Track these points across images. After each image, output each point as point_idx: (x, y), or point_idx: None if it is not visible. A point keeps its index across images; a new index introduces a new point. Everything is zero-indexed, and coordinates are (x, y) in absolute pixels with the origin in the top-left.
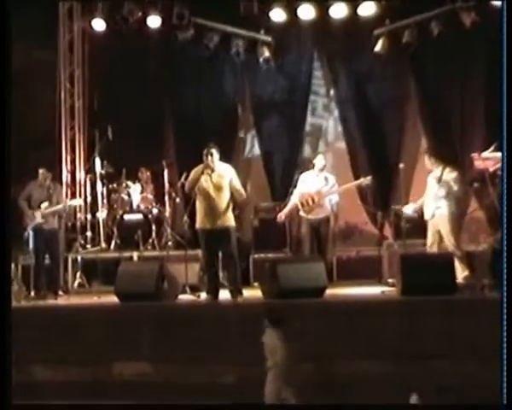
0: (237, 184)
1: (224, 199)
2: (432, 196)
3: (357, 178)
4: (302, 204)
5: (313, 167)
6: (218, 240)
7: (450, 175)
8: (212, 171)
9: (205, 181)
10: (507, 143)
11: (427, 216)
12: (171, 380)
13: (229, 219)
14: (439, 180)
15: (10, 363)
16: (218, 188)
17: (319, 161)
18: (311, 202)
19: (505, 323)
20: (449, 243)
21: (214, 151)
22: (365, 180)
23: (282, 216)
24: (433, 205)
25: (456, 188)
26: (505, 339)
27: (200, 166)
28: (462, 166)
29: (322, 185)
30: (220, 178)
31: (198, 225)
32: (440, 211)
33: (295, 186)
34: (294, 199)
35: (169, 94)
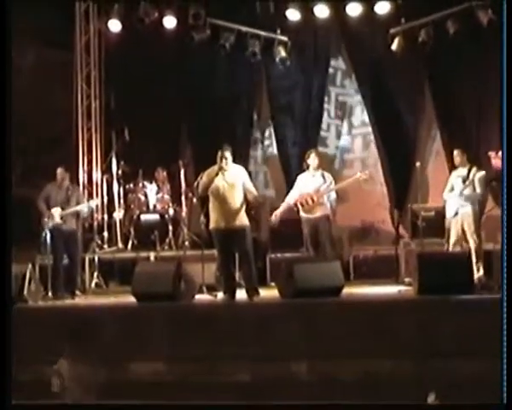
0: (250, 186)
1: (237, 199)
2: (456, 194)
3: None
4: (302, 204)
5: (308, 168)
6: (233, 240)
7: (478, 175)
8: (226, 172)
9: (218, 182)
10: (507, 144)
11: (449, 214)
12: (188, 380)
13: (244, 219)
14: (466, 179)
15: (10, 363)
16: (232, 188)
17: (313, 159)
18: (310, 202)
19: (505, 322)
20: (473, 242)
21: (228, 153)
22: (363, 175)
23: (276, 215)
24: (458, 203)
25: (481, 188)
26: (505, 338)
27: (214, 168)
28: (477, 164)
29: (320, 184)
30: (233, 179)
31: (212, 225)
32: (465, 209)
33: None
34: (289, 200)
35: (185, 94)
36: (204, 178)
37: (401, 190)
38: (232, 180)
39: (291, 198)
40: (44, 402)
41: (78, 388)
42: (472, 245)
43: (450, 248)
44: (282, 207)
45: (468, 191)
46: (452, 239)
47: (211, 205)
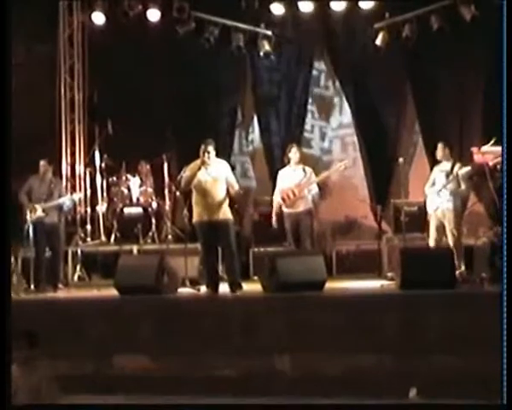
0: (233, 180)
1: (220, 193)
2: (438, 188)
3: None
4: (283, 199)
5: (289, 162)
6: (216, 233)
7: (462, 170)
8: (209, 166)
9: (201, 176)
10: (507, 139)
11: (430, 209)
12: (171, 373)
13: (227, 213)
14: (449, 174)
15: (10, 363)
16: (215, 182)
17: (294, 154)
18: (292, 196)
19: (505, 321)
20: (451, 237)
21: (211, 147)
22: (342, 165)
23: (273, 219)
24: (440, 198)
25: (465, 184)
26: (505, 339)
27: (196, 163)
28: (459, 160)
29: (300, 178)
30: (216, 173)
31: (195, 218)
32: (447, 204)
33: (275, 185)
34: (276, 198)
35: (169, 87)
36: (187, 172)
37: (383, 186)
38: (215, 174)
39: (276, 196)
40: (44, 402)
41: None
42: (450, 240)
43: (431, 243)
44: (274, 208)
45: (451, 186)
46: (432, 234)
47: (194, 199)
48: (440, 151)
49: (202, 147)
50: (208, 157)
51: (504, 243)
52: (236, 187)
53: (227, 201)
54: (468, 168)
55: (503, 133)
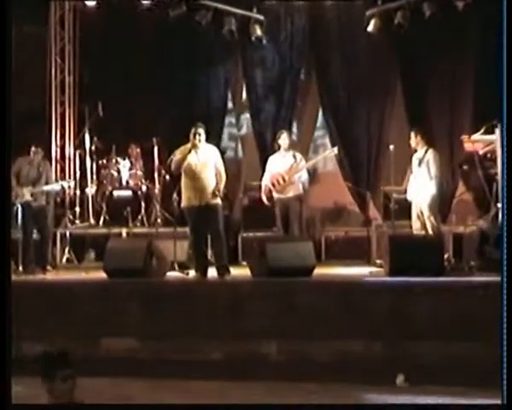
0: (221, 168)
1: (209, 177)
2: (414, 177)
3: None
4: (273, 184)
5: (279, 148)
6: (205, 218)
7: (429, 156)
8: (199, 150)
9: (191, 160)
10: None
11: (409, 197)
12: (159, 356)
13: (216, 197)
14: (421, 161)
15: (10, 363)
16: (204, 166)
17: (283, 140)
18: (282, 181)
19: (505, 321)
20: (430, 225)
21: (202, 131)
22: (332, 151)
23: (264, 199)
24: (415, 186)
25: (434, 169)
26: (505, 337)
27: (187, 146)
28: (449, 148)
29: (291, 163)
30: (206, 157)
31: (184, 203)
32: (422, 192)
33: (264, 170)
34: (265, 183)
35: (160, 71)
36: (177, 154)
37: (371, 172)
38: (205, 159)
39: (265, 181)
40: (44, 402)
41: None
42: (429, 227)
43: (414, 232)
44: (262, 192)
45: (423, 173)
46: (414, 222)
47: (183, 183)
48: (412, 139)
49: (193, 130)
50: (199, 140)
51: (504, 233)
52: (224, 176)
53: (216, 185)
54: (434, 153)
55: (502, 123)
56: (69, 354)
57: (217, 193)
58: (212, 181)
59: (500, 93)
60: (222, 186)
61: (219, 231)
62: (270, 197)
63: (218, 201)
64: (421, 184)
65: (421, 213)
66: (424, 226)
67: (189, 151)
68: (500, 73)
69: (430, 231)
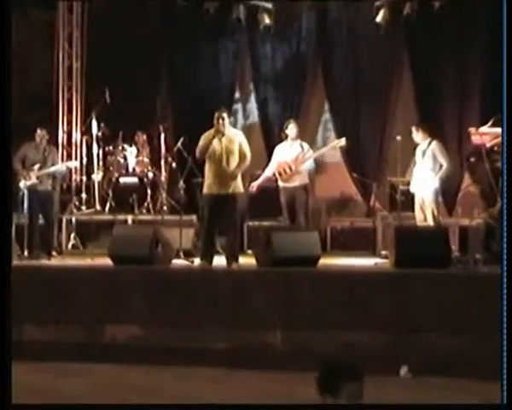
0: (246, 149)
1: (233, 164)
2: (418, 169)
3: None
4: (280, 173)
5: (286, 137)
6: (224, 206)
7: (434, 147)
8: (223, 135)
9: (215, 146)
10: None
11: (412, 189)
12: (163, 344)
13: (239, 186)
14: (424, 153)
15: (11, 363)
16: (229, 153)
17: (291, 129)
18: (288, 171)
19: (505, 320)
20: (431, 217)
21: (225, 115)
22: (340, 142)
23: (253, 187)
24: (419, 179)
25: (441, 158)
26: (505, 336)
27: (211, 131)
28: (456, 140)
29: (298, 153)
30: (231, 142)
31: (205, 190)
32: (425, 184)
33: (269, 159)
34: (268, 172)
35: (168, 58)
36: (201, 141)
37: (376, 162)
38: (228, 144)
39: (269, 170)
40: (44, 402)
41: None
42: (430, 219)
43: (417, 223)
44: (261, 178)
45: (427, 165)
46: (417, 214)
47: (206, 169)
48: (414, 134)
49: (216, 114)
50: (223, 125)
51: (504, 227)
52: (248, 158)
53: (240, 172)
54: (438, 145)
55: (503, 118)
56: (358, 367)
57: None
58: (235, 168)
59: (500, 90)
60: (244, 166)
61: (235, 222)
62: (275, 187)
63: (241, 189)
64: (424, 176)
65: (423, 204)
66: (426, 219)
67: (213, 137)
68: (500, 71)
69: (431, 223)
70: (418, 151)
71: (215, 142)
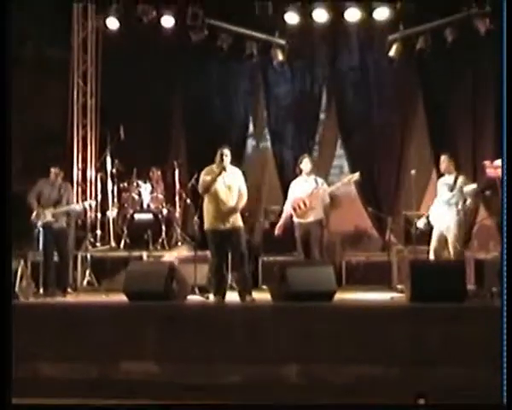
0: (244, 189)
1: (234, 200)
2: (441, 201)
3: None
4: (294, 209)
5: (300, 173)
6: (228, 241)
7: (468, 188)
8: (225, 172)
9: (219, 181)
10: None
11: (433, 221)
12: (178, 380)
13: (238, 220)
14: (453, 188)
15: (11, 363)
16: (229, 189)
17: (305, 164)
18: (303, 206)
19: (505, 320)
20: (453, 251)
21: (228, 152)
22: (354, 176)
23: (278, 230)
24: (442, 211)
25: (470, 200)
26: (505, 337)
27: (213, 167)
28: (471, 173)
29: (312, 188)
30: (231, 180)
31: (207, 225)
32: (449, 218)
33: (286, 194)
34: (287, 209)
35: (181, 94)
36: (206, 176)
37: (391, 197)
38: (230, 181)
39: (288, 206)
40: (44, 402)
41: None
42: (452, 254)
43: (431, 256)
44: (283, 218)
45: (454, 200)
46: (433, 247)
47: (206, 205)
48: (444, 163)
49: (219, 152)
50: (226, 161)
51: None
52: (245, 197)
53: (240, 208)
54: (474, 186)
55: (502, 146)
56: None
57: (240, 214)
58: (235, 204)
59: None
60: (241, 206)
61: (243, 255)
62: (290, 224)
63: (241, 224)
64: (449, 210)
65: (445, 238)
66: (442, 253)
67: (219, 173)
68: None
69: (453, 257)
70: (442, 184)
71: (219, 178)
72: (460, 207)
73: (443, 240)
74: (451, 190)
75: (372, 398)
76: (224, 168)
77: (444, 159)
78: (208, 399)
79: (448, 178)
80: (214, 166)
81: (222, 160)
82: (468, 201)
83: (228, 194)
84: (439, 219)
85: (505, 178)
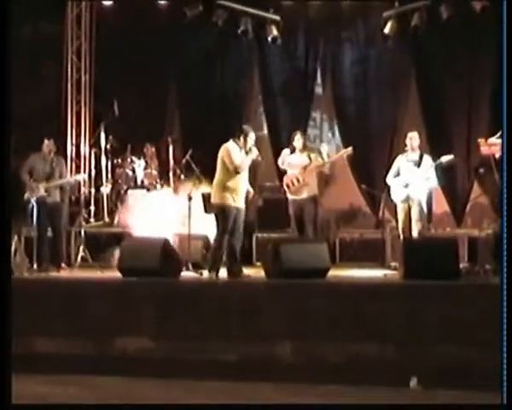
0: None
1: (247, 179)
2: (406, 178)
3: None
4: (288, 186)
5: (294, 149)
6: (235, 218)
7: (444, 157)
8: (249, 152)
9: (241, 160)
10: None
11: (396, 199)
12: (173, 356)
13: (244, 200)
14: (419, 164)
15: (10, 363)
16: (246, 169)
17: (297, 140)
18: (296, 183)
19: (505, 320)
20: (419, 228)
21: (253, 135)
22: (347, 151)
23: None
24: (407, 188)
25: (433, 175)
26: (505, 337)
27: (235, 145)
28: (465, 151)
29: (305, 164)
30: (249, 160)
31: (218, 200)
32: (415, 195)
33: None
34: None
35: (176, 70)
36: (237, 156)
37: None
38: (248, 161)
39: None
40: (44, 402)
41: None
42: (416, 231)
43: (401, 234)
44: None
45: (420, 176)
46: (400, 224)
47: (222, 180)
48: (415, 140)
49: (244, 130)
50: (251, 141)
51: (504, 238)
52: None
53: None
54: (451, 156)
55: (503, 128)
56: None
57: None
58: (246, 183)
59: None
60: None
61: (241, 235)
62: (280, 197)
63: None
64: (414, 188)
65: (409, 215)
66: (409, 230)
67: (247, 153)
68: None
69: (416, 235)
70: (404, 160)
71: (242, 157)
72: (427, 184)
73: (408, 218)
74: (418, 166)
75: (366, 376)
76: (250, 149)
77: (414, 136)
78: (202, 375)
79: (413, 155)
80: (237, 145)
81: (245, 140)
82: (434, 177)
83: (246, 174)
84: (403, 197)
85: (505, 156)
